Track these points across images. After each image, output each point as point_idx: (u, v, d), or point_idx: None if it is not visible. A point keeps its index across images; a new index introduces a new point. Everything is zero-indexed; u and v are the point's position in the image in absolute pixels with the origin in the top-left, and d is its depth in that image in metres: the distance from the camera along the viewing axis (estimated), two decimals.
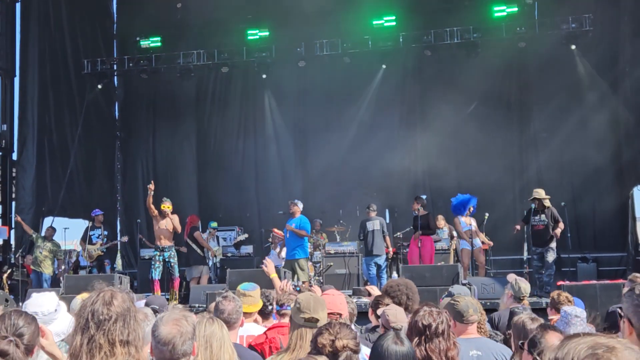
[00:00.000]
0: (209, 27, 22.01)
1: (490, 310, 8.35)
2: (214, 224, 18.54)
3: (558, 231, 13.84)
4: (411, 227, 16.09)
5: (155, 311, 6.36)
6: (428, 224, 15.63)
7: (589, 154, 19.22)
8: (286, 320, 5.59)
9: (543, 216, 14.06)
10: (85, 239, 17.05)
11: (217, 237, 18.75)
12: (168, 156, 23.03)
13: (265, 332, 5.65)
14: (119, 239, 16.93)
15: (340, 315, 5.14)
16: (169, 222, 14.54)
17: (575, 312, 5.89)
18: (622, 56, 19.67)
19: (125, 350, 3.21)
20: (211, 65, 21.50)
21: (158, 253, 14.56)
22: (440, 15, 20.33)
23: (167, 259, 14.53)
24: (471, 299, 5.51)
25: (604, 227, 19.26)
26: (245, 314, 5.97)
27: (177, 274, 14.79)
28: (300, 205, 15.18)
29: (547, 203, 14.20)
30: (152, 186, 14.22)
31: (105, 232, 17.38)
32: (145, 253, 18.32)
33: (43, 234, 17.77)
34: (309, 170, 22.13)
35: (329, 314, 5.09)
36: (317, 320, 4.53)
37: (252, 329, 5.99)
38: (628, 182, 19.60)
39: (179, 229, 14.83)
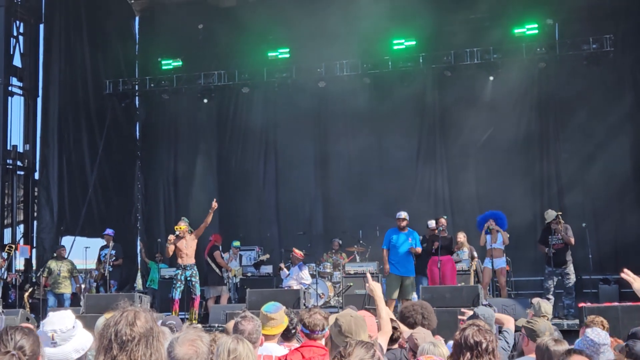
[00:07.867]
0: (230, 47, 22.14)
1: None
2: (237, 243, 18.55)
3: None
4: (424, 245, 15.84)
5: (171, 328, 6.35)
6: (450, 244, 15.53)
7: (611, 175, 19.12)
8: (320, 342, 5.45)
9: (560, 235, 14.56)
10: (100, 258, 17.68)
11: (240, 257, 18.71)
12: (189, 176, 23.02)
13: (298, 350, 5.47)
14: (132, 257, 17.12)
15: (371, 337, 5.08)
16: (189, 242, 14.52)
17: (602, 340, 5.75)
18: None
19: None
20: (232, 86, 21.60)
21: (180, 272, 14.51)
22: (460, 36, 20.30)
23: (188, 278, 14.46)
24: (549, 323, 5.86)
25: (626, 248, 18.98)
26: (267, 336, 5.83)
27: (197, 293, 14.66)
28: None
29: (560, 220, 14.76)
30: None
31: (113, 252, 17.40)
32: (165, 272, 18.35)
33: (55, 255, 17.79)
34: (329, 190, 22.09)
35: None
36: None
37: (273, 348, 5.86)
38: None
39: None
